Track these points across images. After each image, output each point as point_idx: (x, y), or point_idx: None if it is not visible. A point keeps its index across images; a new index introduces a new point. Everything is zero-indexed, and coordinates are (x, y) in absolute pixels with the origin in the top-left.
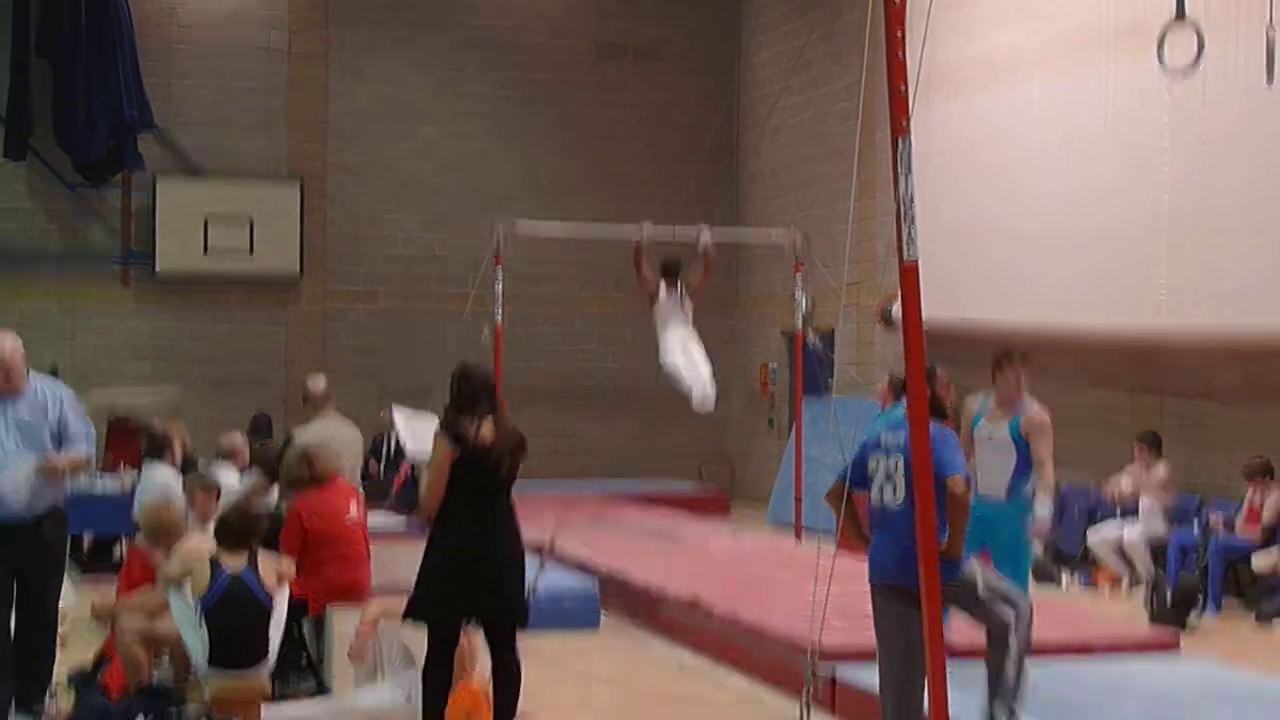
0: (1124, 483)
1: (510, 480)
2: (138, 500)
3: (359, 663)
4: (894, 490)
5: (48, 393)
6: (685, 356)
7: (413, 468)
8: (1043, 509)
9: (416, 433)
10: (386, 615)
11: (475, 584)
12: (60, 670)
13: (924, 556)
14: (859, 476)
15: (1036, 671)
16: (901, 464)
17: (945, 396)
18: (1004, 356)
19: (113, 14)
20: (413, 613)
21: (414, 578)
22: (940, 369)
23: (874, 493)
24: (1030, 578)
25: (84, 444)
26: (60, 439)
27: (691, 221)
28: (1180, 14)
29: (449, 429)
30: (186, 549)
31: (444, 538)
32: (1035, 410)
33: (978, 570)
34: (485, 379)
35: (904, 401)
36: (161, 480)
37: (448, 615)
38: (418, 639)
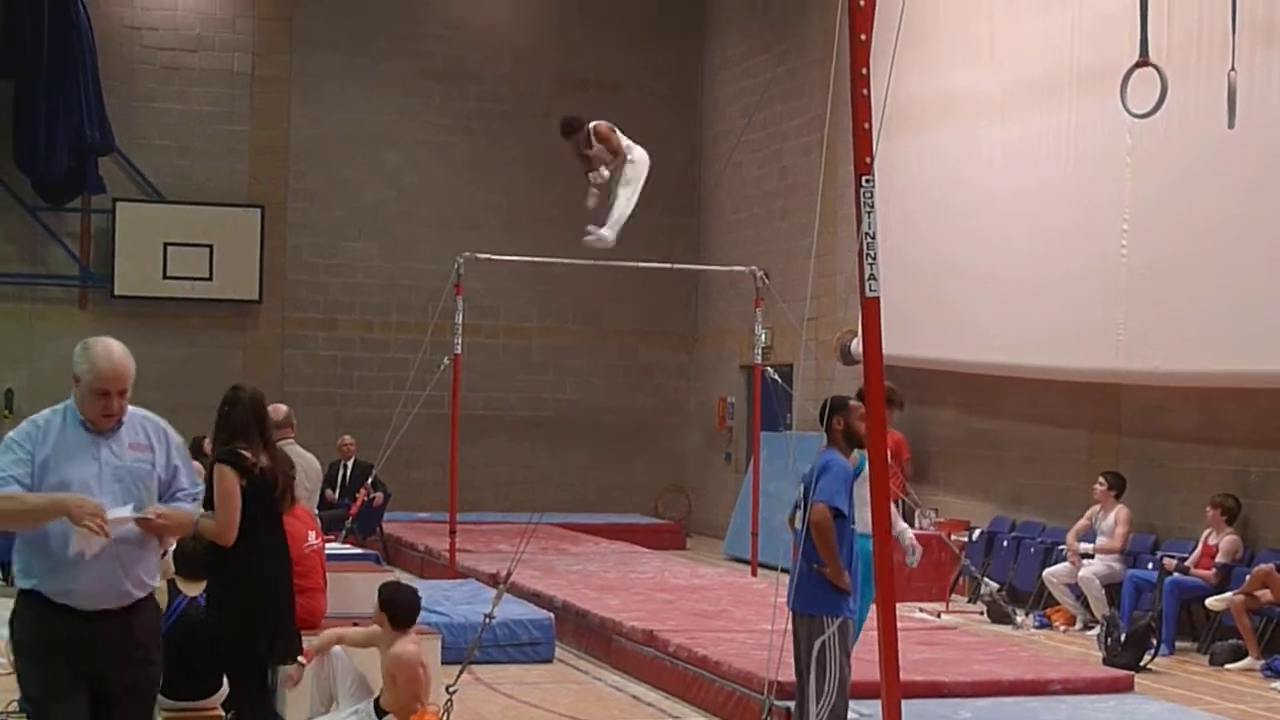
0: (1084, 546)
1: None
2: None
3: (291, 688)
4: (801, 517)
5: (148, 428)
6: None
7: (369, 497)
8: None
9: None
10: (341, 642)
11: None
12: (8, 697)
13: (882, 593)
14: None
15: (991, 710)
16: (801, 492)
17: (860, 428)
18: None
19: (75, 34)
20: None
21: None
22: (854, 401)
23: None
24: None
25: (190, 504)
26: (166, 493)
27: (655, 255)
28: (1144, 57)
29: (229, 459)
30: None
31: (257, 568)
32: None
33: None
34: (255, 403)
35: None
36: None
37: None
38: (371, 666)
